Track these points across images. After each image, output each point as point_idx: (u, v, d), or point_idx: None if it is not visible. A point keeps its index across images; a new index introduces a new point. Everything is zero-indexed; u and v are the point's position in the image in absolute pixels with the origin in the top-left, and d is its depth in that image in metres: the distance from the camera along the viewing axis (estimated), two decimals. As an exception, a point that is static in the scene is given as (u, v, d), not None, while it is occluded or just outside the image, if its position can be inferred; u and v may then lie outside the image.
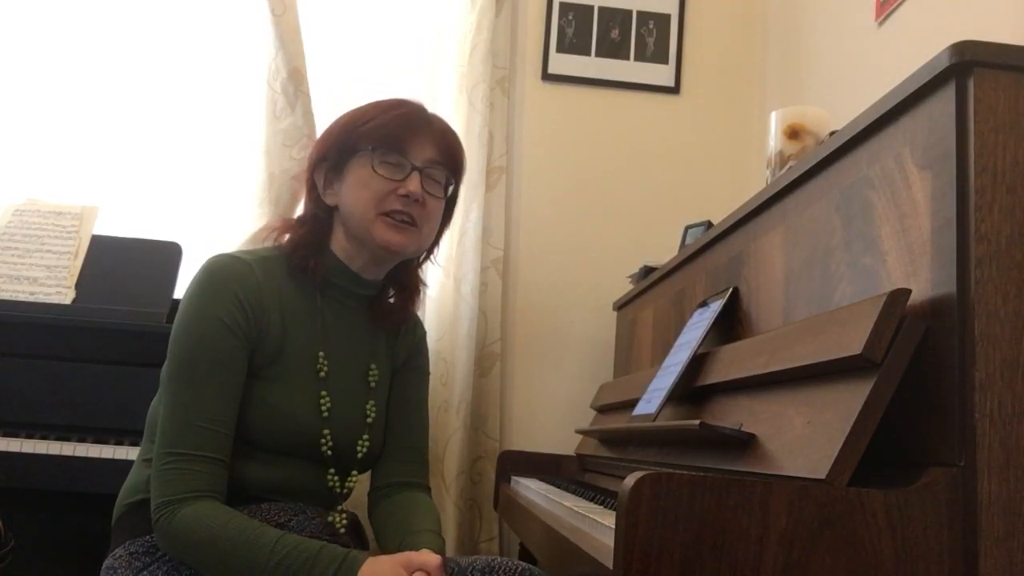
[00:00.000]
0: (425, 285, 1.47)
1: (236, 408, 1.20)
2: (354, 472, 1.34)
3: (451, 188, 1.36)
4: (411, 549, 1.18)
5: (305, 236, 1.32)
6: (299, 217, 1.38)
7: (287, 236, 1.35)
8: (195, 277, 1.26)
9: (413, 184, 1.27)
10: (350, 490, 1.34)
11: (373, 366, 1.37)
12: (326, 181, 1.33)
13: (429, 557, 1.11)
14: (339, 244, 1.33)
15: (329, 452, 1.28)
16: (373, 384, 1.37)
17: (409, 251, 1.32)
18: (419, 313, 1.51)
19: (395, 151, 1.28)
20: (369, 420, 1.35)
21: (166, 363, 1.23)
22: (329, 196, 1.33)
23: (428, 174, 1.30)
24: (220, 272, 1.24)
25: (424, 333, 1.50)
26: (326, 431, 1.27)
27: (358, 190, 1.28)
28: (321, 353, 1.30)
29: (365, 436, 1.34)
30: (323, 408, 1.28)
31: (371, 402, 1.35)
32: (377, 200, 1.27)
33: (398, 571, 1.08)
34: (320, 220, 1.34)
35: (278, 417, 1.23)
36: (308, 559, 1.08)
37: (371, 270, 1.35)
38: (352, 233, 1.31)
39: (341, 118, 1.34)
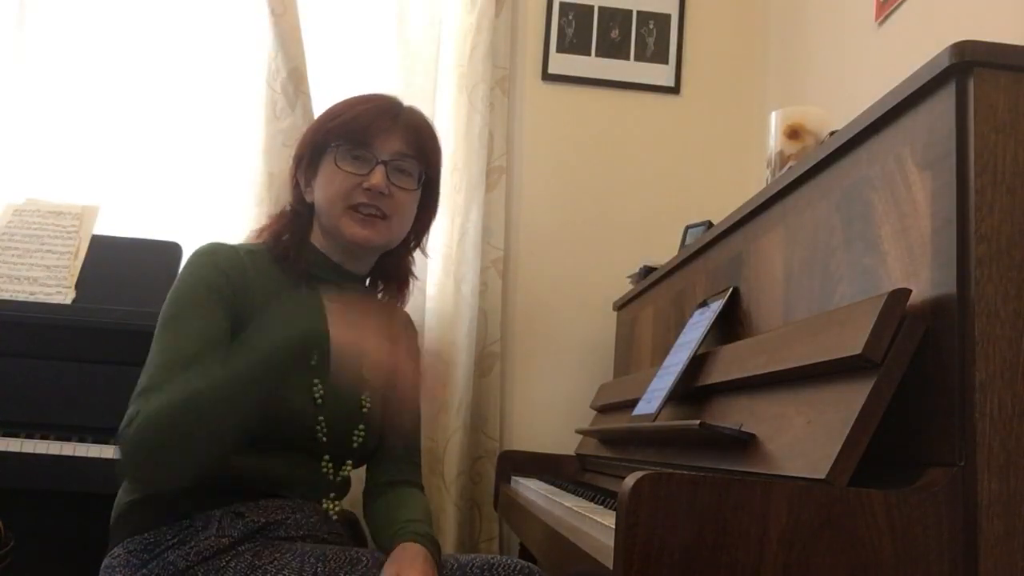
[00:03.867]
0: (415, 277, 1.49)
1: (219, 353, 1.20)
2: (349, 462, 1.35)
3: (423, 179, 1.38)
4: (397, 542, 1.19)
5: (284, 228, 1.36)
6: (279, 212, 1.42)
7: (268, 230, 1.38)
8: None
9: (376, 177, 1.30)
10: (344, 479, 1.35)
11: None
12: (305, 180, 1.37)
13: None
14: (318, 239, 1.37)
15: (324, 439, 1.29)
16: (367, 375, 1.37)
17: (377, 244, 1.35)
18: (419, 312, 1.51)
19: (360, 146, 1.31)
20: (365, 410, 1.35)
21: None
22: (308, 194, 1.37)
23: (395, 166, 1.33)
24: (206, 250, 1.28)
25: (415, 333, 1.52)
26: (321, 418, 1.28)
27: (327, 186, 1.32)
28: None
29: (361, 426, 1.34)
30: (316, 396, 1.28)
31: (365, 392, 1.36)
32: (343, 195, 1.31)
33: None
34: (300, 215, 1.38)
35: (271, 405, 1.23)
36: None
37: (352, 263, 1.38)
38: (325, 229, 1.35)
39: (316, 118, 1.38)
